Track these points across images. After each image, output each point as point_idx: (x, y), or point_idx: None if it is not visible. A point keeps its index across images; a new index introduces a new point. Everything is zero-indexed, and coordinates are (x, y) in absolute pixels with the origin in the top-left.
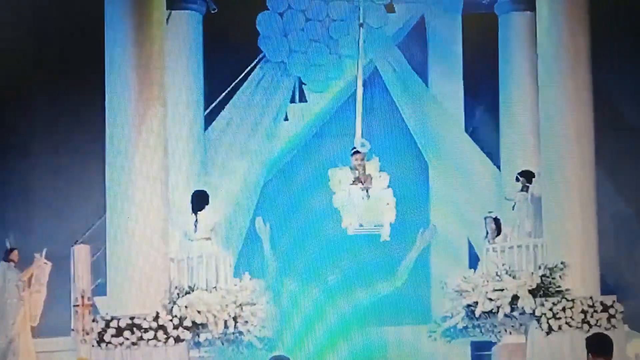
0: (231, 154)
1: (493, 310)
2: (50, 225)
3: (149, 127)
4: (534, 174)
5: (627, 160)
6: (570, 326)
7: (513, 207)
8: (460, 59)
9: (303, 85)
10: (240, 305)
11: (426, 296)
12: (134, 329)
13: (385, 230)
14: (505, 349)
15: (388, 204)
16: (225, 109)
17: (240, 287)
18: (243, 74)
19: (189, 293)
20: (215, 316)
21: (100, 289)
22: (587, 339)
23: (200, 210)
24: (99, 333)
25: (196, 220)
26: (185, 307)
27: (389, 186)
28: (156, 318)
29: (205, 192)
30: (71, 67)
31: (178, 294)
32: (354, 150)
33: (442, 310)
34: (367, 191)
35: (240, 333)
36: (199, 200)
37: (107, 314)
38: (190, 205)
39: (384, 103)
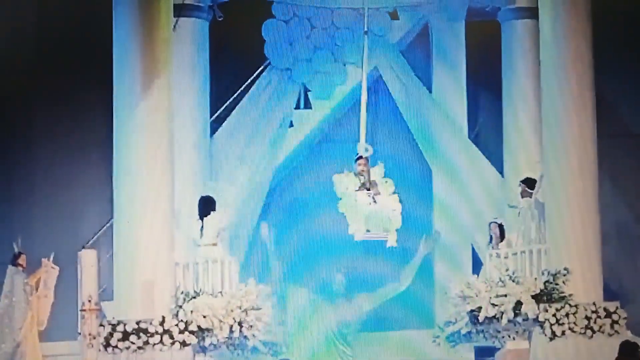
0: (237, 160)
1: (496, 316)
2: (57, 230)
3: (155, 133)
4: (535, 180)
5: (629, 166)
6: (573, 332)
7: (519, 213)
8: (464, 65)
9: (308, 92)
10: (245, 310)
11: (430, 301)
12: (140, 333)
13: (392, 237)
14: (509, 354)
15: (394, 210)
16: (231, 116)
17: (245, 292)
18: (249, 81)
19: (194, 298)
20: (220, 321)
21: (106, 294)
22: (621, 345)
23: (206, 216)
24: (106, 337)
25: (202, 226)
26: (191, 311)
27: (394, 192)
28: (162, 322)
29: (212, 197)
30: (78, 71)
31: (184, 298)
32: (358, 156)
33: (446, 316)
34: (373, 197)
35: (245, 338)
36: (206, 206)
37: (113, 318)
38: (196, 211)
39: (388, 109)
